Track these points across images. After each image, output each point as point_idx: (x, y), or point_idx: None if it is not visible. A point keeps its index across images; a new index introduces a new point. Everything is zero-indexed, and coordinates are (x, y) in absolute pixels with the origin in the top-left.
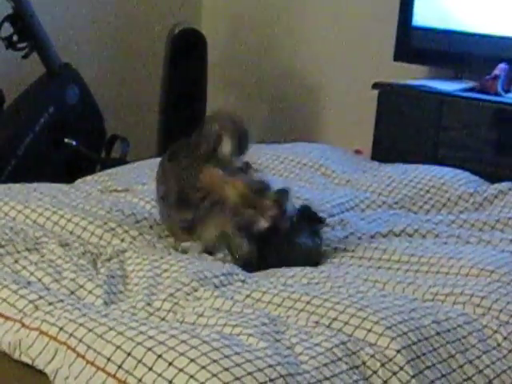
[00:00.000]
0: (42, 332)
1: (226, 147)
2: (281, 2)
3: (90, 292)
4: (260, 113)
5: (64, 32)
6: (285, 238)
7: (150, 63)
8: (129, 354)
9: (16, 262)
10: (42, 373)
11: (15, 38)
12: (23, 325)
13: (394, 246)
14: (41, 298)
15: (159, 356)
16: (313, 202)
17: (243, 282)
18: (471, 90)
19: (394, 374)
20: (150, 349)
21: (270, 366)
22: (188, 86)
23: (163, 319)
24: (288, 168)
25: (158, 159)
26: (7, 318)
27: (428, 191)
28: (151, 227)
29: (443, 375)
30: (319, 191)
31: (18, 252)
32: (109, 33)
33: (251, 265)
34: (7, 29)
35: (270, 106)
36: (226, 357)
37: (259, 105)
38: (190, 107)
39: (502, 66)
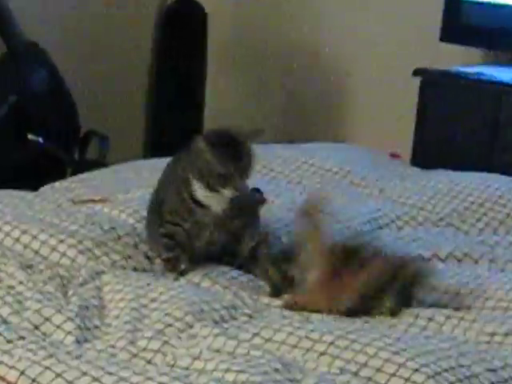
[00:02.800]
0: None
1: (199, 191)
2: None
3: (59, 327)
4: (271, 104)
5: (31, 4)
6: None
7: (136, 41)
8: None
9: None
10: None
11: None
12: None
13: (439, 274)
14: None
15: None
16: (339, 216)
17: (250, 316)
18: None
19: None
20: None
21: None
22: (183, 69)
23: (149, 362)
24: (306, 175)
25: (146, 162)
26: None
27: (482, 205)
28: (136, 246)
29: None
30: (345, 204)
31: None
32: (85, 6)
33: None
34: None
35: (284, 95)
36: None
37: (270, 93)
38: (186, 95)
39: None
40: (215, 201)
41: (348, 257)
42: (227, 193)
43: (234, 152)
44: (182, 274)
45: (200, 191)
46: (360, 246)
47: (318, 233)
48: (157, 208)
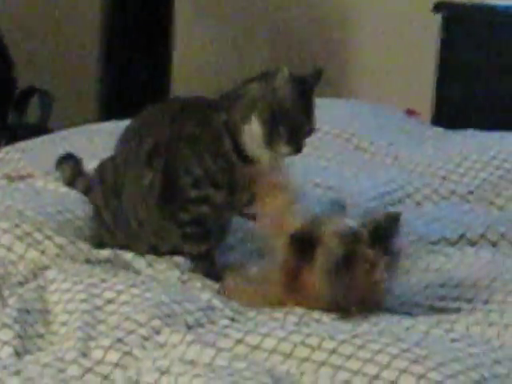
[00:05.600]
0: None
1: (255, 140)
2: None
3: None
4: (257, 50)
5: None
6: None
7: None
8: None
9: None
10: None
11: None
12: None
13: (469, 261)
14: None
15: None
16: (341, 191)
17: (232, 319)
18: None
19: None
20: None
21: None
22: (145, 12)
23: (107, 378)
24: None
25: (102, 125)
26: None
27: None
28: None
29: None
30: (351, 174)
31: None
32: None
33: None
34: None
35: (275, 42)
36: None
37: (256, 38)
38: (148, 44)
39: None
40: (270, 157)
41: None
42: (285, 150)
43: (310, 103)
44: (220, 276)
45: (248, 140)
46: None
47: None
48: (158, 190)
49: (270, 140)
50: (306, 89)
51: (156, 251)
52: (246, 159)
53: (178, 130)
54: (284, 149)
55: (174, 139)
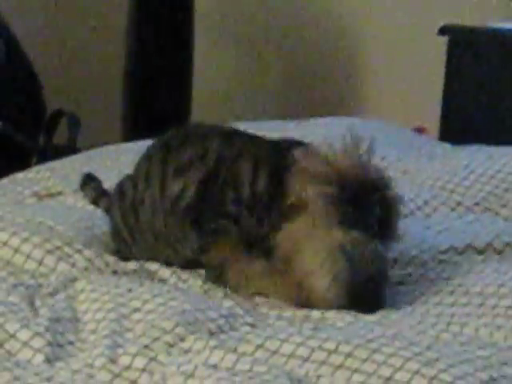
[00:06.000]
0: None
1: None
2: None
3: (26, 344)
4: (270, 74)
5: None
6: None
7: (109, 8)
8: None
9: None
10: None
11: None
12: None
13: (477, 269)
14: None
15: None
16: None
17: (252, 325)
18: None
19: None
20: None
21: None
22: (167, 41)
23: (134, 383)
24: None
25: (126, 145)
26: None
27: None
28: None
29: None
30: None
31: None
32: None
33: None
34: None
35: (287, 64)
36: None
37: (269, 63)
38: (170, 70)
39: None
40: None
41: None
42: None
43: None
44: None
45: None
46: None
47: None
48: (190, 201)
49: None
50: None
51: (173, 262)
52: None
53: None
54: None
55: (228, 157)
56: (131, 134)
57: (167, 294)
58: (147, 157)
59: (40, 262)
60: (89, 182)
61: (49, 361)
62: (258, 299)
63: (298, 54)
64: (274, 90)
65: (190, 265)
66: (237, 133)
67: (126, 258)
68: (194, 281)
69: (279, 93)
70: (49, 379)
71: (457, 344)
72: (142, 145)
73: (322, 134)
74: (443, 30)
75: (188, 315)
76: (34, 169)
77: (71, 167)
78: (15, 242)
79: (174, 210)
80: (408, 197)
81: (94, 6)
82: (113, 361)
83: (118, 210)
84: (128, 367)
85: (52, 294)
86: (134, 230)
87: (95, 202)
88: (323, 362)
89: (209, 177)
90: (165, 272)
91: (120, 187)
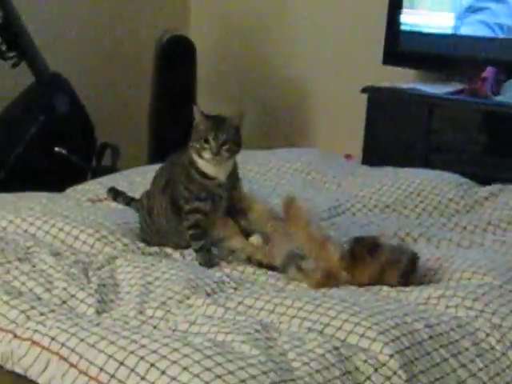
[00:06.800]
0: (33, 342)
1: (198, 161)
2: (270, 9)
3: (82, 301)
4: (250, 119)
5: (52, 41)
6: None
7: (138, 71)
8: (121, 364)
9: (7, 272)
10: (34, 383)
11: (4, 47)
12: (15, 335)
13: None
14: (32, 308)
15: (152, 365)
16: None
17: (235, 289)
18: (460, 92)
19: (388, 378)
20: (142, 358)
21: (264, 372)
22: (177, 93)
23: (155, 327)
24: (279, 174)
25: (150, 167)
26: None
27: (419, 194)
28: None
29: (436, 379)
30: (310, 196)
31: (9, 262)
32: (97, 41)
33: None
34: None
35: (260, 111)
36: (219, 364)
37: (249, 111)
38: (180, 116)
39: (490, 68)
40: (217, 170)
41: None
42: (207, 156)
43: (217, 122)
44: (213, 264)
45: (196, 159)
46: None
47: (302, 221)
48: (170, 208)
49: (199, 155)
50: (217, 117)
51: (178, 246)
52: (208, 176)
53: (172, 172)
54: (205, 156)
55: (172, 179)
56: (153, 159)
57: (178, 268)
58: (155, 178)
59: (92, 246)
60: (118, 194)
61: (98, 312)
62: (238, 272)
63: (265, 104)
64: (250, 127)
65: (189, 248)
66: (175, 159)
67: (149, 244)
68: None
69: (252, 129)
70: (97, 325)
71: (373, 301)
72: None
73: (286, 159)
74: (365, 90)
75: (191, 282)
76: (89, 182)
77: (113, 182)
78: (75, 232)
79: (167, 215)
80: (340, 202)
81: (126, 73)
82: (141, 312)
83: (141, 213)
84: (151, 317)
85: (100, 268)
86: (151, 227)
87: (128, 205)
88: (283, 314)
89: (171, 194)
90: (175, 253)
91: (142, 198)
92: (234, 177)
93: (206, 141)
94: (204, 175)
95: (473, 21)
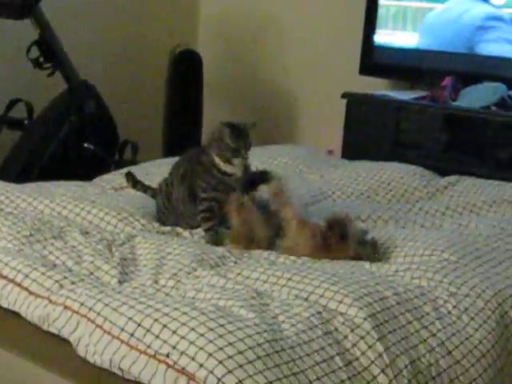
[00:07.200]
0: (66, 307)
1: (221, 164)
2: (266, 32)
3: (107, 272)
4: (248, 120)
5: (82, 54)
6: None
7: (155, 79)
8: (139, 325)
9: (44, 248)
10: (66, 341)
11: (41, 59)
12: (50, 301)
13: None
14: (65, 278)
15: (164, 326)
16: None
17: (235, 262)
18: (424, 98)
19: (362, 338)
20: (156, 320)
21: (258, 332)
22: (187, 98)
23: (168, 295)
24: (272, 167)
25: (164, 160)
26: (37, 296)
27: (389, 184)
28: None
29: (402, 338)
30: (298, 185)
31: (46, 239)
32: (120, 53)
33: None
34: (35, 51)
35: (258, 115)
36: (221, 326)
37: (248, 115)
38: (189, 118)
39: (449, 78)
40: (236, 169)
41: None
42: (237, 162)
43: (242, 134)
44: (218, 243)
45: (221, 164)
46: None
47: (288, 207)
48: (187, 196)
49: (227, 161)
50: (240, 129)
51: (189, 226)
52: (228, 174)
53: (191, 169)
54: (235, 162)
55: (189, 174)
56: (167, 154)
57: (187, 245)
58: (173, 168)
59: (115, 226)
60: (136, 182)
61: (120, 282)
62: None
63: (260, 107)
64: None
65: (198, 228)
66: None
67: (164, 224)
68: (203, 238)
69: (254, 132)
70: (119, 292)
71: (350, 273)
72: (173, 159)
73: (277, 154)
74: (344, 95)
75: (198, 256)
76: (112, 173)
77: (134, 172)
78: (101, 214)
79: (184, 201)
80: (322, 190)
81: (144, 81)
82: (156, 282)
83: (159, 198)
84: (164, 285)
85: (121, 245)
86: (168, 210)
87: (145, 192)
88: (275, 283)
89: (190, 183)
90: (185, 232)
91: (160, 185)
92: (246, 170)
93: (235, 150)
94: (225, 173)
95: (435, 37)
